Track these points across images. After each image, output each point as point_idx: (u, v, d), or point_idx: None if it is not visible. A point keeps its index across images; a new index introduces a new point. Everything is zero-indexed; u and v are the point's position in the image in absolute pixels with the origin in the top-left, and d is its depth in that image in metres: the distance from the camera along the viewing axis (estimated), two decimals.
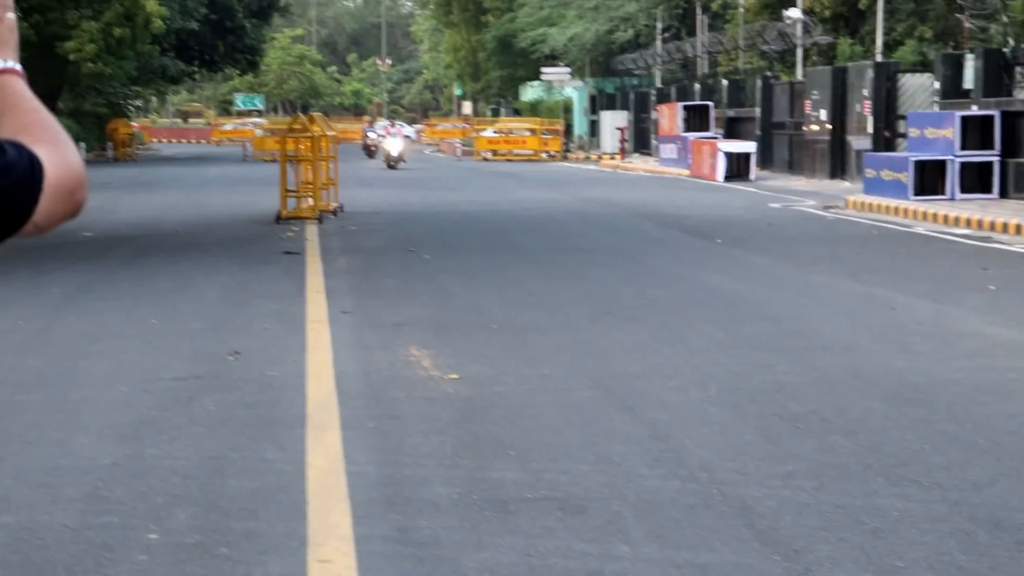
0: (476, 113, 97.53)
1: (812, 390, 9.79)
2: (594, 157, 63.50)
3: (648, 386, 10.00)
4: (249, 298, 15.12)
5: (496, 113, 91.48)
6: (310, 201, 26.87)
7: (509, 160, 61.69)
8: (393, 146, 52.66)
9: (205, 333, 12.74)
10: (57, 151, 2.33)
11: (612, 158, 59.65)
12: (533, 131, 65.33)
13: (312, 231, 23.80)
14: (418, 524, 6.67)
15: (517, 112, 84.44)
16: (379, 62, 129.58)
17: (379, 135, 59.75)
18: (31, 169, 2.27)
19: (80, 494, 7.30)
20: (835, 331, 12.53)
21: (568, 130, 71.60)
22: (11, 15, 2.39)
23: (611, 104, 70.41)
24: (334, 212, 27.77)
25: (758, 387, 9.92)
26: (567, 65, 75.99)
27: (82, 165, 2.38)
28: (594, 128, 72.49)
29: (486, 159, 62.40)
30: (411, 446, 8.29)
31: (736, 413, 9.08)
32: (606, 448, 8.14)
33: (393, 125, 57.64)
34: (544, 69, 75.60)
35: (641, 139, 62.44)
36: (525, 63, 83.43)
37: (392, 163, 51.80)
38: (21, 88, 2.37)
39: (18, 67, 2.37)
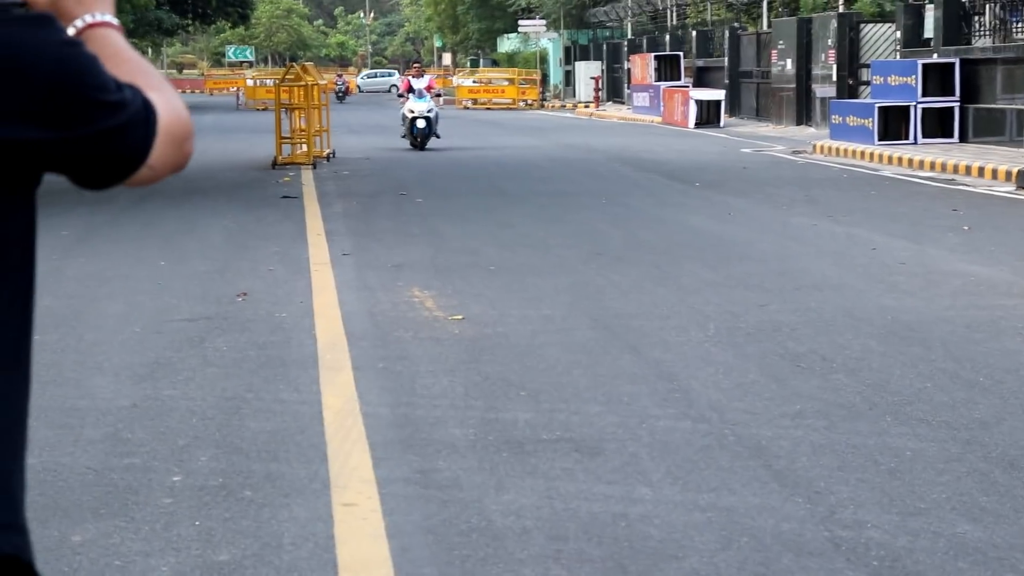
0: (456, 64, 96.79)
1: (809, 329, 9.47)
2: (569, 105, 63.08)
3: (647, 326, 9.67)
4: (252, 241, 14.74)
5: (475, 64, 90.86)
6: (304, 148, 26.51)
7: (489, 109, 61.22)
8: (418, 108, 29.90)
9: (212, 275, 12.36)
10: (165, 98, 2.09)
11: (587, 106, 59.15)
12: (511, 81, 64.94)
13: (307, 176, 23.41)
14: (437, 466, 6.34)
15: (495, 63, 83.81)
16: (363, 15, 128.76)
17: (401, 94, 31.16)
18: (146, 110, 2.03)
19: (101, 435, 6.95)
20: (822, 271, 12.20)
21: (544, 80, 71.12)
22: None
23: (585, 55, 69.98)
24: (327, 158, 27.42)
25: (755, 326, 9.60)
26: (542, 18, 75.38)
27: (189, 116, 2.13)
28: (569, 78, 72.03)
29: (467, 107, 61.91)
30: (422, 387, 7.96)
31: (737, 352, 8.75)
32: (614, 388, 7.82)
33: (420, 75, 30.66)
34: (521, 21, 75.04)
35: (614, 88, 61.98)
36: (502, 16, 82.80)
37: (416, 140, 30.24)
38: (118, 39, 2.15)
39: (115, 20, 2.15)
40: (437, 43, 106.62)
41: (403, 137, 30.87)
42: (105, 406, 7.54)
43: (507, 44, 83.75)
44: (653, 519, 5.52)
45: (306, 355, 8.87)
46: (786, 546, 5.19)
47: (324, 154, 27.45)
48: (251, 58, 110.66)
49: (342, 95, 72.02)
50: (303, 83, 27.42)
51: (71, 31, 2.10)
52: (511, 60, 79.54)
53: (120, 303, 10.86)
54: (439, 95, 32.48)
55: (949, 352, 8.67)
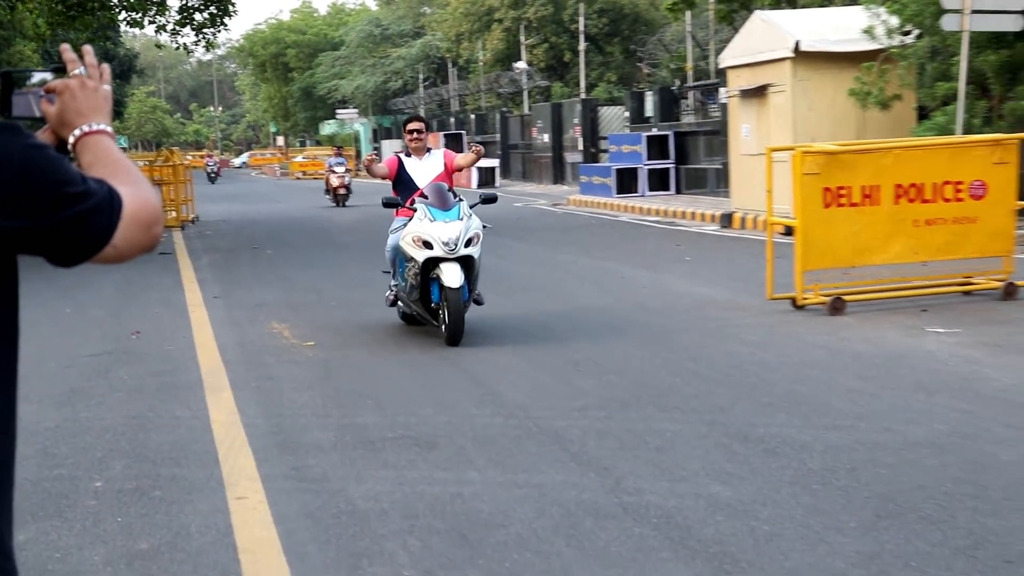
0: (287, 145, 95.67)
1: (583, 340, 9.50)
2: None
3: (461, 342, 9.58)
4: (138, 290, 14.27)
5: (303, 144, 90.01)
6: (174, 214, 25.86)
7: (316, 179, 60.53)
8: (442, 234, 9.37)
9: (109, 319, 11.94)
10: (137, 189, 1.98)
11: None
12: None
13: (178, 236, 22.81)
14: (308, 463, 6.17)
15: (319, 143, 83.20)
16: (213, 108, 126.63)
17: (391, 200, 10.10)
18: (110, 199, 1.92)
19: (33, 452, 6.62)
20: (587, 295, 12.29)
21: (358, 155, 70.78)
22: (107, 87, 2.13)
23: (388, 135, 69.76)
24: (192, 221, 26.82)
25: (542, 340, 9.59)
26: (355, 107, 75.15)
27: (159, 205, 2.02)
28: (377, 152, 71.73)
29: (298, 178, 61.20)
30: (289, 400, 7.77)
31: (531, 361, 8.72)
32: (441, 394, 7.72)
33: (423, 147, 10.45)
34: (338, 110, 74.76)
35: None
36: (323, 106, 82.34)
37: (437, 313, 9.55)
38: (109, 144, 2.07)
39: (108, 129, 2.09)
40: (272, 129, 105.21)
41: (390, 303, 10.44)
42: (34, 428, 7.19)
43: (328, 128, 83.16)
44: (483, 496, 5.45)
45: (192, 379, 8.59)
46: (587, 512, 5.17)
47: (190, 218, 26.86)
48: (125, 145, 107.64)
49: (214, 176, 58.58)
50: (172, 163, 26.90)
51: (72, 138, 2.05)
52: (331, 140, 78.97)
53: (35, 345, 10.37)
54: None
55: (689, 355, 8.77)
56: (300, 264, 16.74)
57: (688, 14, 34.92)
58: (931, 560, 4.43)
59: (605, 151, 34.81)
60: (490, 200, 10.15)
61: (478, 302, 9.84)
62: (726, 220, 21.04)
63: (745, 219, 20.42)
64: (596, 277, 13.87)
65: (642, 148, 29.68)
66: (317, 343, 9.92)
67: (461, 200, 9.63)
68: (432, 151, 10.54)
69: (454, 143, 48.88)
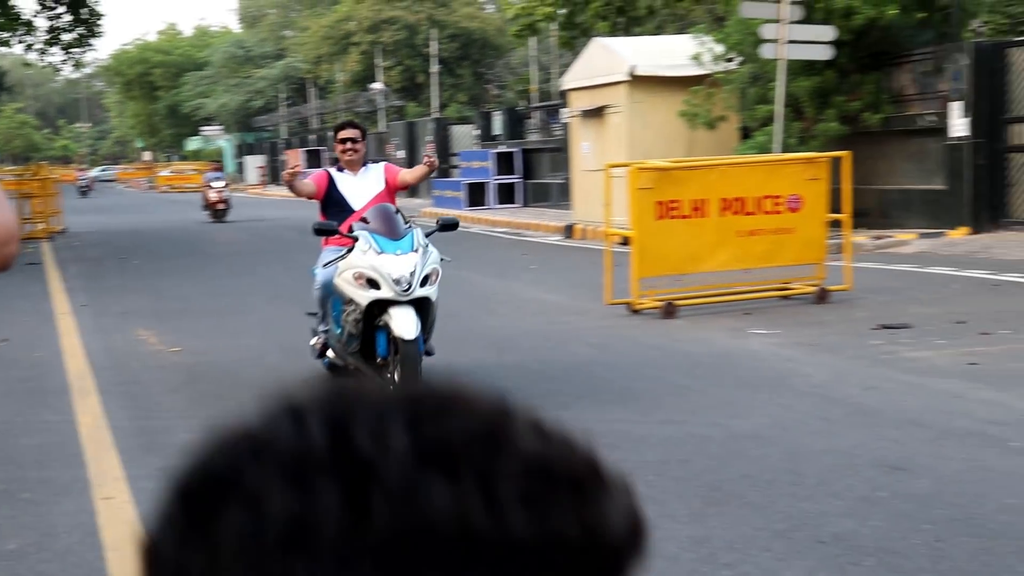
0: (155, 160, 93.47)
1: (442, 347, 9.40)
2: (243, 188, 61.72)
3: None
4: (6, 299, 13.72)
5: (169, 159, 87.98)
6: (41, 225, 25.02)
7: (182, 192, 59.25)
8: (393, 269, 7.15)
9: None
10: None
11: (255, 188, 58.06)
12: (198, 171, 63.02)
13: (46, 247, 22.04)
14: (174, 464, 6.00)
15: (184, 158, 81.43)
16: (80, 124, 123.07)
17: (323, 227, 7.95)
18: None
19: None
20: (440, 302, 12.20)
21: (222, 169, 69.55)
22: None
23: (252, 151, 68.79)
24: (60, 233, 25.95)
25: None
26: (219, 124, 73.82)
27: (14, 226, 1.96)
28: (241, 168, 70.58)
29: (165, 191, 59.83)
30: (155, 404, 7.56)
31: None
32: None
33: (360, 159, 8.11)
34: (202, 128, 73.34)
35: (274, 175, 60.98)
36: (188, 123, 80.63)
37: (385, 363, 7.18)
38: None
39: None
40: (139, 144, 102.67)
41: (317, 353, 8.03)
42: None
43: (193, 144, 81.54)
44: None
45: (60, 384, 8.30)
46: None
47: (58, 229, 26.01)
48: None
49: (86, 189, 54.50)
50: (40, 177, 26.06)
51: None
52: (197, 155, 77.44)
53: None
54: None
55: (535, 356, 8.82)
56: (168, 273, 16.34)
57: (533, 40, 35.23)
58: (753, 542, 4.52)
59: (456, 167, 34.86)
60: (450, 226, 7.92)
61: (429, 353, 7.28)
62: (568, 231, 21.24)
63: (586, 230, 20.63)
64: (449, 285, 13.69)
65: (491, 164, 29.81)
66: (183, 348, 9.68)
67: (414, 227, 7.39)
68: (369, 165, 8.13)
69: (314, 159, 48.42)
